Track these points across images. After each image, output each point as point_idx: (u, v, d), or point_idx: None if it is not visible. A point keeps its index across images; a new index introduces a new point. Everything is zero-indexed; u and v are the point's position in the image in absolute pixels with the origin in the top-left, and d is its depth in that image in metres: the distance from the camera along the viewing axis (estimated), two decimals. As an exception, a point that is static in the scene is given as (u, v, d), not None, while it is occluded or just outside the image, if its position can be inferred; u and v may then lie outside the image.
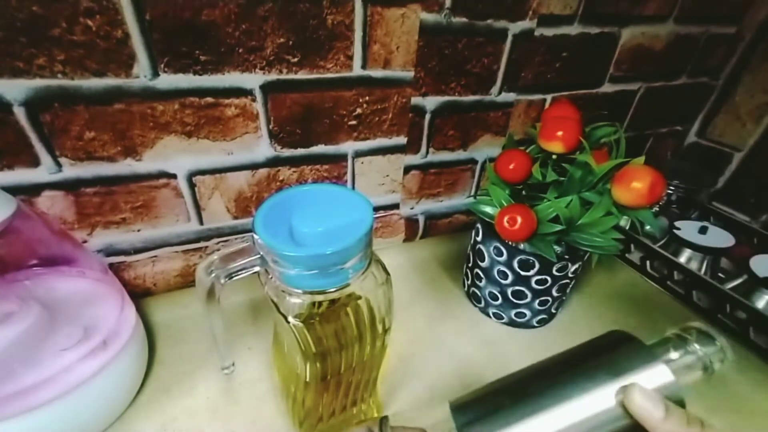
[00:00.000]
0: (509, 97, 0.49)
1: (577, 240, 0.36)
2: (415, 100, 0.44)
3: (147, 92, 0.33)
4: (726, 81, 0.63)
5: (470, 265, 0.45)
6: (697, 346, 0.19)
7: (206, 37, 0.33)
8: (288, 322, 0.23)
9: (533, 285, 0.39)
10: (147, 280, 0.43)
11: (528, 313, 0.42)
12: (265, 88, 0.37)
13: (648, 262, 0.52)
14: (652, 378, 0.18)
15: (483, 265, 0.42)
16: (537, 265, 0.38)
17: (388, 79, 0.42)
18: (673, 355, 0.19)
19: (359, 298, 0.26)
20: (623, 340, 0.19)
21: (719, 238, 0.51)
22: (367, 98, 0.42)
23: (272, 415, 0.33)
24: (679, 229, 0.53)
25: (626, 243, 0.54)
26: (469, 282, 0.46)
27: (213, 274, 0.23)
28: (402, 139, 0.47)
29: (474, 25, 0.42)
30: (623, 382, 0.17)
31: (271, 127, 0.39)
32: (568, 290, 0.42)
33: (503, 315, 0.43)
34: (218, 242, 0.44)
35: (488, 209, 0.40)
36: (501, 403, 0.18)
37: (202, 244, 0.44)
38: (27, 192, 0.34)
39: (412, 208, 0.54)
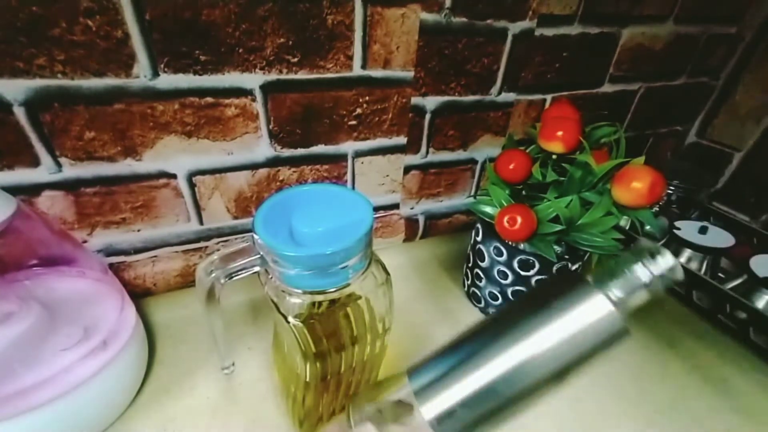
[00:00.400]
0: (509, 97, 0.49)
1: (577, 240, 0.36)
2: (415, 100, 0.44)
3: (147, 92, 0.33)
4: (726, 81, 0.63)
5: (470, 265, 0.45)
6: (642, 267, 0.18)
7: (206, 37, 0.33)
8: (288, 322, 0.23)
9: (533, 285, 0.39)
10: (147, 280, 0.43)
11: (528, 313, 0.42)
12: (265, 88, 0.37)
13: (648, 262, 0.52)
14: (590, 311, 0.17)
15: (483, 265, 0.42)
16: (537, 265, 0.38)
17: (388, 79, 0.42)
18: (615, 282, 0.18)
19: (359, 298, 0.26)
20: (563, 277, 0.19)
21: (719, 238, 0.51)
22: (367, 98, 0.42)
23: (272, 415, 0.33)
24: (679, 229, 0.53)
25: (626, 243, 0.54)
26: (469, 282, 0.46)
27: (213, 274, 0.23)
28: (402, 139, 0.47)
29: (474, 25, 0.42)
30: (561, 320, 0.17)
31: (271, 127, 0.39)
32: (568, 290, 0.42)
33: (503, 315, 0.43)
34: (218, 242, 0.44)
35: (488, 209, 0.40)
36: (449, 361, 0.18)
37: (202, 244, 0.44)
38: (27, 192, 0.34)
39: (412, 208, 0.54)
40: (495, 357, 0.17)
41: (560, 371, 0.17)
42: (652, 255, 0.18)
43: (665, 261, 0.17)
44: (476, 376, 0.17)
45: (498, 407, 0.17)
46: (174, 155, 0.37)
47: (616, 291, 0.18)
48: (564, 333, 0.17)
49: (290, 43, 0.36)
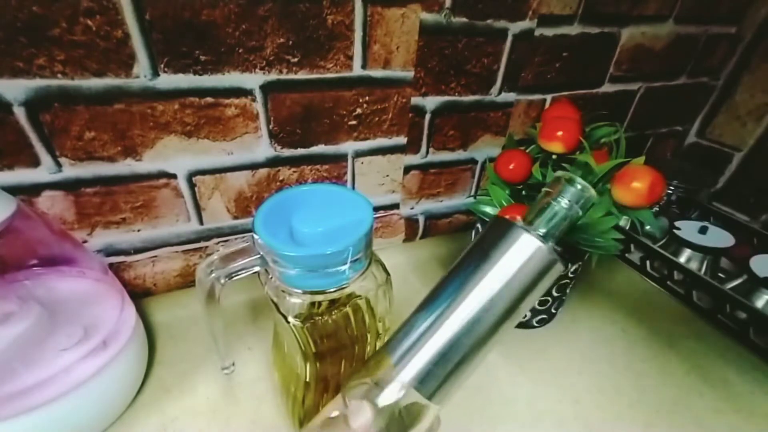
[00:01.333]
0: (509, 97, 0.49)
1: (577, 240, 0.36)
2: (415, 100, 0.44)
3: (147, 92, 0.33)
4: (726, 81, 0.63)
5: (470, 265, 0.45)
6: (559, 199, 0.20)
7: (206, 37, 0.33)
8: (288, 322, 0.23)
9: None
10: (147, 280, 0.43)
11: (528, 313, 0.42)
12: (265, 88, 0.37)
13: (648, 262, 0.52)
14: (520, 252, 0.19)
15: (483, 265, 0.42)
16: (537, 265, 0.38)
17: (388, 79, 0.42)
18: (540, 219, 0.20)
19: (359, 298, 0.26)
20: (495, 225, 0.21)
21: (719, 238, 0.51)
22: (367, 98, 0.42)
23: (272, 415, 0.33)
24: (679, 229, 0.53)
25: (626, 243, 0.54)
26: (469, 282, 0.46)
27: (213, 274, 0.23)
28: (402, 139, 0.47)
29: (474, 25, 0.42)
30: (498, 266, 0.19)
31: (271, 127, 0.39)
32: (568, 290, 0.42)
33: (503, 315, 0.43)
34: (218, 242, 0.44)
35: (488, 209, 0.40)
36: (416, 326, 0.20)
37: (202, 244, 0.44)
38: (27, 192, 0.34)
39: (412, 208, 0.54)
40: (451, 313, 0.19)
41: (509, 309, 0.19)
42: (567, 183, 0.20)
43: (577, 187, 0.19)
44: (439, 334, 0.19)
45: (465, 355, 0.19)
46: (174, 155, 0.37)
47: (542, 226, 0.20)
48: (503, 277, 0.19)
49: (290, 43, 0.36)
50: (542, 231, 0.20)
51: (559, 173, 0.20)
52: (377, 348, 0.28)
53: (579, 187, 0.20)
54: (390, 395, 0.19)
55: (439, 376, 0.19)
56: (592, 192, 0.20)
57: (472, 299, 0.19)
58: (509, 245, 0.19)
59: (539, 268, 0.19)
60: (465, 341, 0.19)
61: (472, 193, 0.57)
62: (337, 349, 0.26)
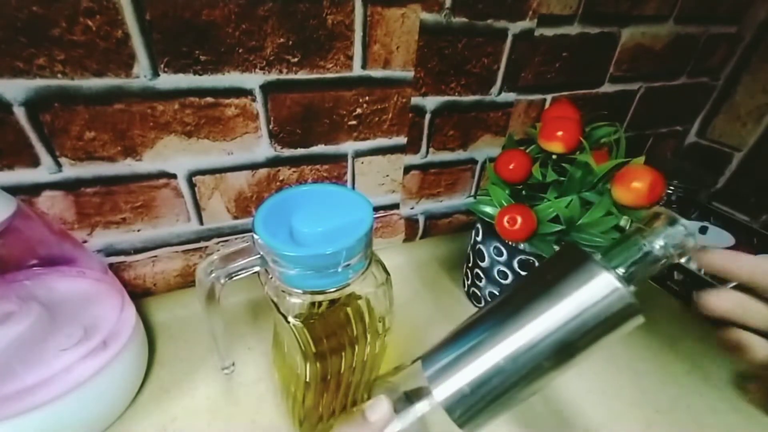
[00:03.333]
0: (509, 97, 0.49)
1: (577, 240, 0.36)
2: (415, 100, 0.44)
3: (147, 92, 0.33)
4: (726, 81, 0.63)
5: (470, 265, 0.45)
6: (653, 241, 0.17)
7: (206, 37, 0.33)
8: (288, 322, 0.23)
9: (539, 264, 0.39)
10: (147, 280, 0.43)
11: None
12: (265, 88, 0.37)
13: (648, 262, 0.52)
14: (594, 291, 0.16)
15: (483, 265, 0.42)
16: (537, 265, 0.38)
17: (388, 79, 0.41)
18: (625, 257, 0.17)
19: (359, 298, 0.26)
20: (570, 254, 0.18)
21: (719, 238, 0.51)
22: (367, 98, 0.42)
23: (272, 415, 0.33)
24: (679, 229, 0.53)
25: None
26: (469, 282, 0.46)
27: (213, 275, 0.23)
28: (402, 139, 0.47)
29: (474, 25, 0.42)
30: (566, 302, 0.17)
31: (271, 127, 0.39)
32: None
33: (503, 315, 0.43)
34: (218, 242, 0.44)
35: (488, 209, 0.40)
36: (459, 345, 0.18)
37: (202, 244, 0.44)
38: (27, 192, 0.34)
39: (412, 208, 0.54)
40: (501, 340, 0.17)
41: (568, 352, 0.17)
42: (668, 223, 0.17)
43: (679, 229, 0.17)
44: (484, 359, 0.17)
45: (507, 388, 0.17)
46: (174, 155, 0.37)
47: (626, 265, 0.17)
48: (568, 315, 0.16)
49: (290, 43, 0.36)
50: (624, 271, 0.17)
51: (659, 209, 0.18)
52: (378, 349, 0.28)
53: (682, 229, 0.17)
54: (417, 411, 0.18)
55: (475, 402, 0.17)
56: (695, 239, 0.17)
57: (526, 330, 0.17)
58: (582, 282, 0.16)
59: (614, 314, 0.16)
60: (510, 372, 0.17)
61: (472, 193, 0.57)
62: (337, 350, 0.26)
